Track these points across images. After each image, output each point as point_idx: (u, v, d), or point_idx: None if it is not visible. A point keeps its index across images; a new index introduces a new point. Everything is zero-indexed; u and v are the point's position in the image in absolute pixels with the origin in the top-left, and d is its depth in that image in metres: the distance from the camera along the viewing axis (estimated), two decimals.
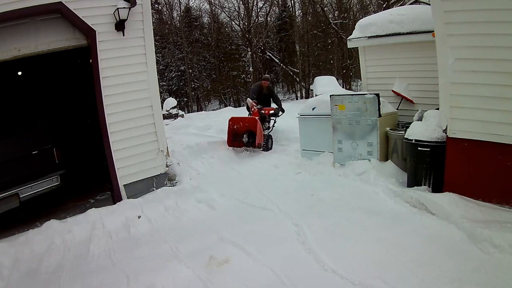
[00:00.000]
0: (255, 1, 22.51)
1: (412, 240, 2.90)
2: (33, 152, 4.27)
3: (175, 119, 12.54)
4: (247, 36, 22.56)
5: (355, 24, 6.22)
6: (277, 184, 4.65)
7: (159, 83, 5.13)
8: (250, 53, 22.39)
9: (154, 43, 4.67)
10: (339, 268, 2.60)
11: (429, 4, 3.71)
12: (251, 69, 22.77)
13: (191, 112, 19.32)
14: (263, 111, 6.87)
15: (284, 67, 22.31)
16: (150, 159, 4.71)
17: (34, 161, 4.25)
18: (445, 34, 3.29)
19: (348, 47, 6.46)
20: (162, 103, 13.18)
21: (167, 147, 4.95)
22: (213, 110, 19.44)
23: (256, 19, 23.33)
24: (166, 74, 23.16)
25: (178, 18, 24.84)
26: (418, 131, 3.76)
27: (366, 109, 4.48)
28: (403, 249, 2.78)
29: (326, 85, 12.00)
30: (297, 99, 21.07)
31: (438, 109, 3.63)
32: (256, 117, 6.34)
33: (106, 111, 4.31)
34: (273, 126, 7.27)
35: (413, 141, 3.76)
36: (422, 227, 3.08)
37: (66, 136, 5.73)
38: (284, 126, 7.31)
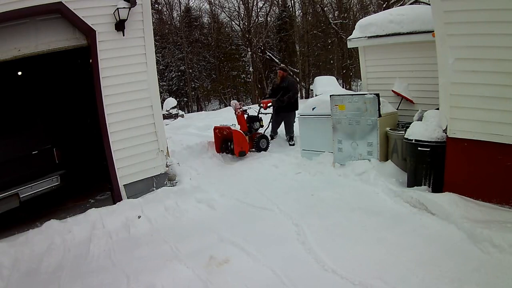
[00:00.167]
0: (255, 1, 22.56)
1: (412, 240, 2.89)
2: (33, 152, 4.27)
3: (175, 119, 12.55)
4: (247, 36, 22.57)
5: (355, 24, 6.21)
6: (277, 184, 4.65)
7: (159, 83, 5.13)
8: (250, 53, 22.41)
9: (154, 43, 4.67)
10: (339, 268, 2.60)
11: (429, 4, 3.71)
12: (251, 69, 22.80)
13: (191, 112, 19.34)
14: (262, 106, 6.41)
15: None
16: (150, 159, 4.71)
17: (34, 161, 4.25)
18: (445, 34, 3.29)
19: (348, 47, 6.46)
20: (162, 103, 13.18)
21: (167, 147, 4.95)
22: (213, 110, 19.45)
23: (256, 19, 23.35)
24: (166, 74, 23.17)
25: (178, 18, 24.87)
26: (418, 131, 3.76)
27: (366, 109, 4.48)
28: (403, 249, 2.77)
29: (326, 85, 12.02)
30: None
31: (438, 109, 3.63)
32: (233, 128, 5.88)
33: (106, 111, 4.31)
34: (269, 122, 6.76)
35: (413, 141, 3.76)
36: (422, 227, 3.08)
37: (66, 136, 5.73)
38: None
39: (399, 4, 12.53)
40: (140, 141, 4.59)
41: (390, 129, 4.48)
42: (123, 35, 4.32)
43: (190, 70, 23.34)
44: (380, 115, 4.42)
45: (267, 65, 23.98)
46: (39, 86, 6.48)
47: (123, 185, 4.50)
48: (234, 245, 3.13)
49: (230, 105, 9.11)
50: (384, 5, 13.40)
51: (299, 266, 2.72)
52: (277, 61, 22.73)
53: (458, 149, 3.40)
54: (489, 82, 3.08)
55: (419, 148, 3.71)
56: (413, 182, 3.88)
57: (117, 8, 4.08)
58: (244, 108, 6.43)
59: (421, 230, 3.04)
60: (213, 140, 6.37)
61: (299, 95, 21.42)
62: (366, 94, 4.57)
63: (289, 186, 4.53)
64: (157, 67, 4.76)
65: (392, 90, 5.35)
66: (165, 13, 25.17)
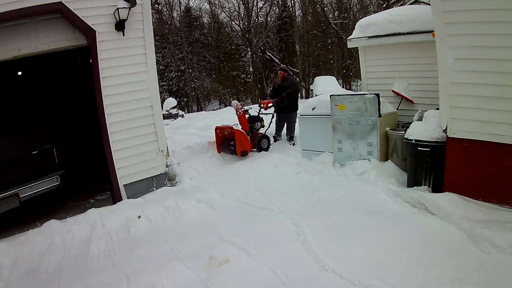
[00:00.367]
0: (255, 1, 22.56)
1: (412, 240, 2.89)
2: (33, 152, 4.27)
3: (175, 119, 12.56)
4: (247, 36, 22.58)
5: (355, 24, 6.21)
6: (277, 184, 4.65)
7: (159, 83, 5.13)
8: (250, 53, 22.41)
9: (154, 43, 4.67)
10: (339, 268, 2.60)
11: (429, 4, 3.71)
12: (251, 69, 22.81)
13: (191, 112, 19.34)
14: (262, 107, 6.42)
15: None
16: (150, 159, 4.71)
17: (34, 161, 4.25)
18: (445, 34, 3.29)
19: (348, 47, 6.46)
20: (162, 103, 13.18)
21: (167, 147, 4.95)
22: (213, 110, 19.45)
23: (256, 19, 23.36)
24: (166, 74, 23.17)
25: (178, 18, 24.87)
26: (418, 131, 3.76)
27: (366, 109, 4.48)
28: (403, 249, 2.77)
29: (326, 85, 12.02)
30: None
31: (438, 109, 3.63)
32: (236, 127, 5.89)
33: (106, 111, 4.31)
34: (271, 122, 6.76)
35: (413, 141, 3.76)
36: (422, 227, 3.08)
37: (66, 136, 5.73)
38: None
39: (399, 4, 12.53)
40: (140, 141, 4.59)
41: (390, 129, 4.48)
42: (123, 35, 4.32)
43: (190, 70, 23.34)
44: (380, 115, 4.41)
45: (267, 65, 23.98)
46: (39, 86, 6.48)
47: (123, 185, 4.50)
48: (234, 245, 3.13)
49: (230, 105, 9.07)
50: (384, 5, 13.41)
51: (299, 266, 2.71)
52: (277, 61, 22.74)
53: (458, 149, 3.40)
54: (489, 82, 3.08)
55: (419, 148, 3.71)
56: (413, 182, 3.88)
57: (117, 8, 4.08)
58: (246, 108, 6.41)
59: (421, 230, 3.04)
60: (214, 140, 6.38)
61: (299, 94, 21.54)
62: (366, 94, 4.57)
63: (289, 186, 4.53)
64: (157, 67, 4.77)
65: (392, 90, 5.35)
66: (165, 13, 25.19)
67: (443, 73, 3.38)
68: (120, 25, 4.24)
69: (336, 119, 4.80)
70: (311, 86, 16.69)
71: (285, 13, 23.35)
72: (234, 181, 4.97)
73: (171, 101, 14.06)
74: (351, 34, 6.17)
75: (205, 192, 4.42)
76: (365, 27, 5.80)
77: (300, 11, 22.99)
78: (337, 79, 15.55)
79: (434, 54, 3.45)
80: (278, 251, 2.95)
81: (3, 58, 3.92)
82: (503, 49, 2.95)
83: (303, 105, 5.73)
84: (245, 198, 4.27)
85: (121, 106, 4.42)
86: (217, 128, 6.34)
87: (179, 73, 23.44)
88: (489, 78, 3.07)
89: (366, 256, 2.73)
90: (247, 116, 6.32)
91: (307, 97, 19.34)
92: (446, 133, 3.50)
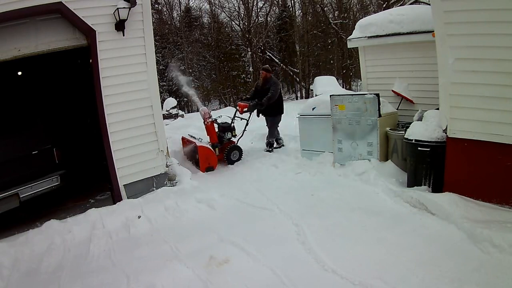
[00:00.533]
0: (255, 1, 22.52)
1: (412, 240, 2.90)
2: (33, 152, 4.26)
3: (175, 119, 12.55)
4: (247, 36, 22.56)
5: (355, 24, 6.21)
6: (277, 184, 4.65)
7: (159, 83, 5.12)
8: (250, 53, 22.40)
9: (154, 43, 4.66)
10: (339, 268, 2.60)
11: (429, 4, 3.71)
12: (251, 69, 22.78)
13: (191, 112, 19.33)
14: (238, 110, 5.88)
15: (284, 67, 22.31)
16: (150, 159, 4.71)
17: (34, 161, 4.25)
18: (445, 34, 3.29)
19: (348, 47, 6.46)
20: (162, 103, 13.18)
21: (167, 147, 4.95)
22: (213, 110, 19.42)
23: (256, 19, 23.34)
24: (166, 74, 23.16)
25: (178, 18, 24.85)
26: (418, 131, 3.76)
27: (366, 109, 4.48)
28: (403, 249, 2.78)
29: (326, 85, 12.00)
30: (297, 99, 21.08)
31: (438, 109, 3.63)
32: (199, 143, 5.47)
33: (106, 111, 4.31)
34: (244, 130, 6.15)
35: (413, 141, 3.76)
36: (422, 227, 3.08)
37: (66, 136, 5.73)
38: (284, 126, 7.30)
39: (399, 4, 12.53)
40: (140, 141, 4.59)
41: (390, 129, 4.48)
42: (123, 35, 4.32)
43: (190, 70, 23.33)
44: (380, 115, 4.42)
45: (267, 65, 23.97)
46: (39, 86, 6.48)
47: (123, 185, 4.50)
48: (234, 245, 3.13)
49: (233, 106, 8.61)
50: (384, 5, 13.40)
51: (299, 266, 2.72)
52: (277, 61, 22.73)
53: (458, 149, 3.41)
54: (489, 82, 3.08)
55: (419, 148, 3.71)
56: (413, 182, 3.88)
57: (117, 8, 4.08)
58: (212, 118, 5.78)
59: (421, 230, 3.04)
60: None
61: (298, 95, 21.53)
62: (366, 94, 4.57)
63: (289, 186, 4.53)
64: (157, 67, 4.77)
65: (392, 90, 5.35)
66: (165, 13, 25.17)
67: (443, 73, 3.39)
68: (120, 25, 4.24)
69: (336, 119, 4.80)
70: (311, 86, 16.67)
71: (285, 13, 23.32)
72: (234, 181, 4.97)
73: (171, 101, 14.06)
74: (351, 34, 6.17)
75: (205, 192, 4.42)
76: (365, 27, 5.80)
77: (300, 11, 22.98)
78: (337, 79, 15.53)
79: (434, 54, 3.45)
80: (278, 251, 2.95)
81: (3, 58, 3.91)
82: (503, 49, 2.95)
83: (303, 105, 5.73)
84: (245, 198, 4.27)
85: (121, 106, 4.42)
86: (183, 139, 6.13)
87: (179, 73, 23.42)
88: (489, 78, 3.07)
89: (366, 256, 2.73)
90: (216, 125, 5.86)
91: (307, 97, 19.32)
92: (446, 133, 3.50)
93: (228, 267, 2.81)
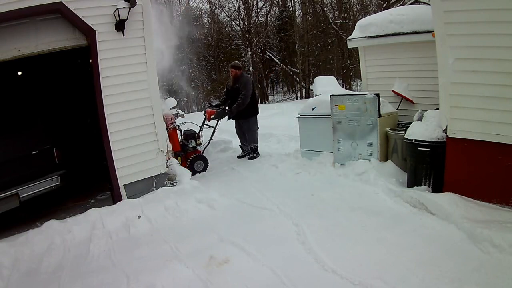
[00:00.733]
0: (255, 1, 22.50)
1: (412, 240, 2.89)
2: (33, 152, 4.27)
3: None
4: (247, 36, 22.55)
5: (355, 24, 6.21)
6: (277, 184, 4.65)
7: (159, 83, 5.12)
8: (250, 53, 22.38)
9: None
10: (339, 268, 2.60)
11: (429, 4, 3.71)
12: (251, 69, 22.76)
13: (191, 112, 19.33)
14: (206, 117, 5.46)
15: (284, 67, 22.32)
16: (150, 159, 4.71)
17: (34, 161, 4.25)
18: (445, 34, 3.29)
19: (348, 47, 6.45)
20: None
21: (167, 147, 4.94)
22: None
23: (256, 19, 23.32)
24: (166, 74, 23.14)
25: (178, 18, 24.83)
26: (418, 131, 3.76)
27: (366, 109, 4.48)
28: (403, 249, 2.77)
29: (326, 85, 11.96)
30: (297, 99, 21.10)
31: (438, 109, 3.63)
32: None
33: (106, 111, 4.31)
34: (210, 139, 5.84)
35: (413, 141, 3.76)
36: (422, 227, 3.08)
37: (66, 136, 5.73)
38: (284, 126, 7.31)
39: (399, 4, 12.53)
40: (140, 141, 4.59)
41: (390, 129, 4.47)
42: (123, 35, 4.32)
43: (190, 70, 23.32)
44: (380, 115, 4.41)
45: (267, 65, 23.96)
46: (39, 86, 6.48)
47: (123, 185, 4.50)
48: (234, 245, 3.13)
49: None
50: (384, 5, 13.40)
51: (299, 266, 2.71)
52: (277, 61, 22.74)
53: (458, 149, 3.40)
54: (489, 82, 3.08)
55: (419, 148, 3.71)
56: (413, 182, 3.88)
57: (117, 8, 4.08)
58: (175, 125, 5.37)
59: (421, 230, 3.04)
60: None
61: (298, 95, 21.51)
62: (366, 94, 4.57)
63: (289, 186, 4.53)
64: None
65: (392, 90, 5.34)
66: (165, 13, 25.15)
67: (443, 73, 3.38)
68: (120, 25, 4.24)
69: (336, 119, 4.80)
70: (311, 86, 16.66)
71: (285, 13, 23.32)
72: (234, 181, 4.98)
73: (171, 101, 14.05)
74: (351, 34, 6.16)
75: (205, 192, 4.42)
76: (365, 27, 5.80)
77: (300, 11, 22.98)
78: (337, 79, 15.52)
79: (434, 54, 3.45)
80: (278, 251, 2.95)
81: (3, 58, 3.91)
82: (503, 49, 2.95)
83: (303, 105, 5.73)
84: (245, 198, 4.27)
85: (121, 106, 4.41)
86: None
87: (179, 73, 23.41)
88: (489, 78, 3.07)
89: (366, 256, 2.73)
90: (179, 132, 5.53)
91: (307, 97, 19.31)
92: (446, 133, 3.50)
93: (228, 267, 2.81)
